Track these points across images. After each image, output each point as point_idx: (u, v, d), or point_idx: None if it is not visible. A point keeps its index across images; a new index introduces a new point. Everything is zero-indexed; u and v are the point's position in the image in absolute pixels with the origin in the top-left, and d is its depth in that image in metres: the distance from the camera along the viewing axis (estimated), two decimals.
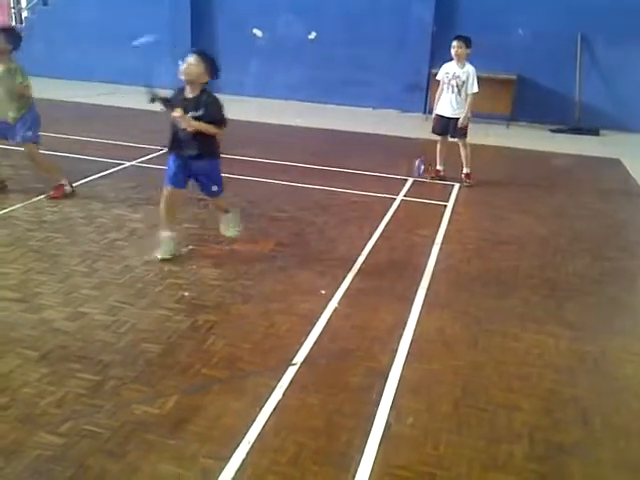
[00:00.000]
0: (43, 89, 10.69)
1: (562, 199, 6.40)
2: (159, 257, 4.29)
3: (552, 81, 10.13)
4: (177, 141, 4.11)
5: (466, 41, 6.31)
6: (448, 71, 6.47)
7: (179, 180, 4.25)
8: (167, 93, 4.06)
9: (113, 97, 10.88)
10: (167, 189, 4.28)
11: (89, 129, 8.20)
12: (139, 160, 6.83)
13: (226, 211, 4.61)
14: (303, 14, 10.93)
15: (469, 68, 6.37)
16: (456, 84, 6.39)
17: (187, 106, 3.96)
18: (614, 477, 2.52)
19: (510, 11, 10.00)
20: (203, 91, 4.04)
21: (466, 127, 6.51)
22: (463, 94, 6.40)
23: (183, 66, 3.96)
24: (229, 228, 4.63)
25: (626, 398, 3.04)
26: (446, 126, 6.56)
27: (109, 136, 7.85)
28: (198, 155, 4.10)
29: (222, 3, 11.45)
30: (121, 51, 11.84)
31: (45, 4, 12.36)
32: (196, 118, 3.95)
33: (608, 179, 7.37)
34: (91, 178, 6.06)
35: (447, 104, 6.50)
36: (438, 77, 6.65)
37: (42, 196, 5.42)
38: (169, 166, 4.24)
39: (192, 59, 3.95)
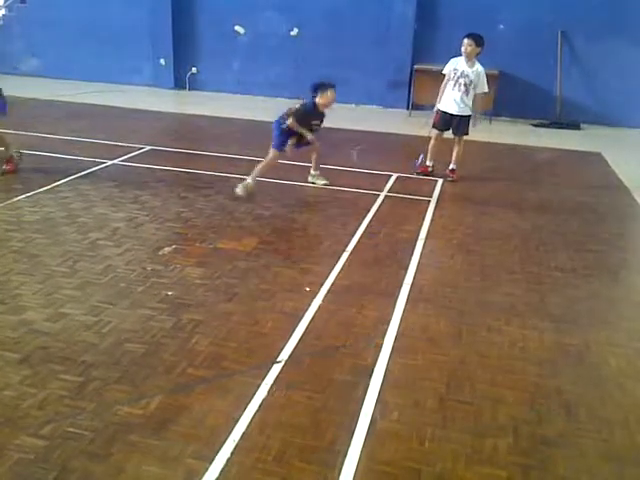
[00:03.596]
0: (24, 88, 10.66)
1: (545, 193, 6.44)
2: (238, 191, 5.57)
3: (533, 76, 10.18)
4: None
5: (477, 39, 6.19)
6: (457, 68, 6.32)
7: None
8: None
9: (94, 96, 10.76)
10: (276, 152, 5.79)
11: (70, 128, 8.10)
12: (121, 159, 6.76)
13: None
14: (285, 11, 10.87)
15: (479, 68, 6.30)
16: (464, 83, 6.29)
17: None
18: (599, 468, 2.53)
19: (491, 7, 10.02)
20: None
21: (468, 125, 6.47)
22: (471, 93, 6.33)
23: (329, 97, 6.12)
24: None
25: (610, 389, 3.06)
26: (449, 123, 6.49)
27: (91, 135, 7.76)
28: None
29: (203, 0, 11.37)
30: (102, 49, 11.78)
31: (23, 2, 12.18)
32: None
33: (590, 173, 7.44)
34: (73, 177, 5.99)
35: (452, 101, 6.38)
36: (444, 71, 6.47)
37: (22, 196, 5.36)
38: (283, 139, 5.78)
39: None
